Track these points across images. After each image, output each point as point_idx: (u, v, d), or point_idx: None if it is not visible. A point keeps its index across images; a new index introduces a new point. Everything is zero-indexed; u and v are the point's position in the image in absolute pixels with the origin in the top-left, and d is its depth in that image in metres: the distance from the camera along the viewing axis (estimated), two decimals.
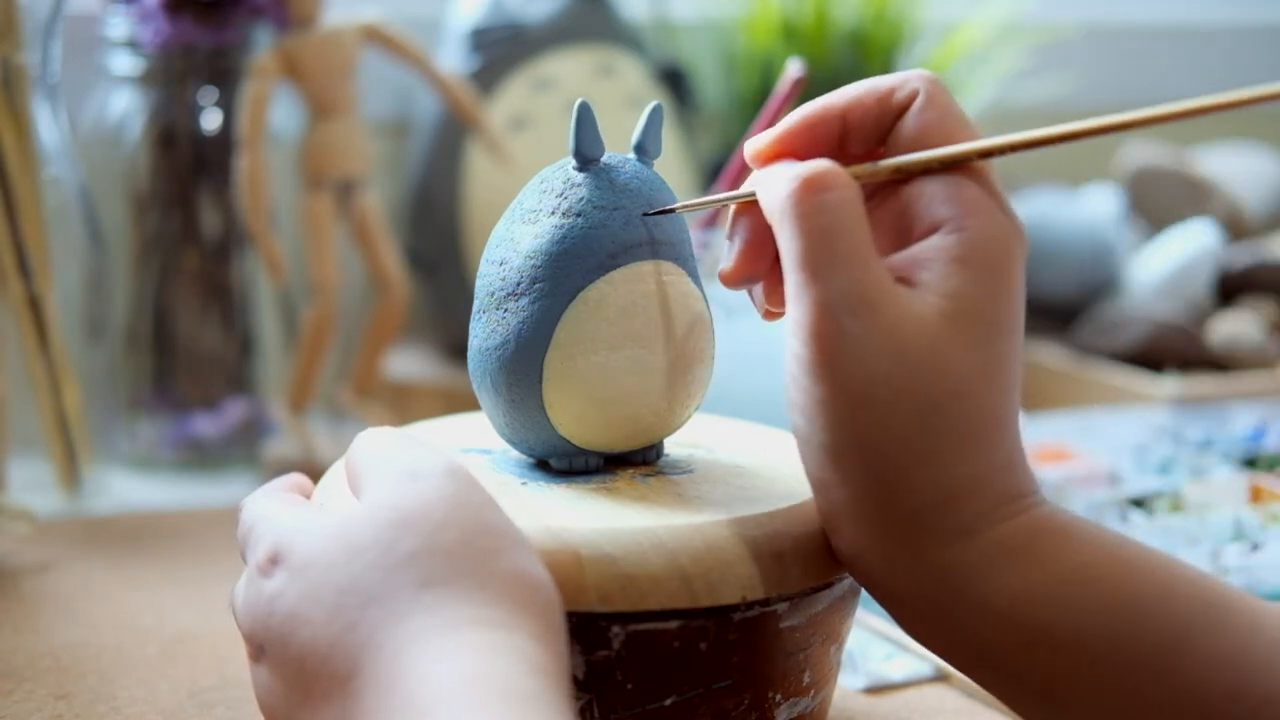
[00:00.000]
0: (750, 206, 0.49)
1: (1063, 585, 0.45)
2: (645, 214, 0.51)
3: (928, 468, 0.45)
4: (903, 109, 0.48)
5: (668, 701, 0.47)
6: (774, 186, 0.46)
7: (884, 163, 0.48)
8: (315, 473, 0.60)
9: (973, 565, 0.45)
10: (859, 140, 0.49)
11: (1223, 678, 0.44)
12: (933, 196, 0.47)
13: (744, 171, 0.78)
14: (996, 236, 0.46)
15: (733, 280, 0.50)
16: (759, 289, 0.51)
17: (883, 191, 0.48)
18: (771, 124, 0.77)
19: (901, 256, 0.46)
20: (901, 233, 0.47)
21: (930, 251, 0.46)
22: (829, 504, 0.47)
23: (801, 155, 0.48)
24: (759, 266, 0.50)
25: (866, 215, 0.46)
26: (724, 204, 0.51)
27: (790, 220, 0.45)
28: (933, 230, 0.46)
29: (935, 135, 0.47)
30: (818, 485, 0.47)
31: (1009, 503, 0.46)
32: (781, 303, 0.50)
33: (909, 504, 0.45)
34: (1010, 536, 0.45)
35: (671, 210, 0.51)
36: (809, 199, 0.45)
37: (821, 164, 0.46)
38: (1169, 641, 0.44)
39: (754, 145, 0.49)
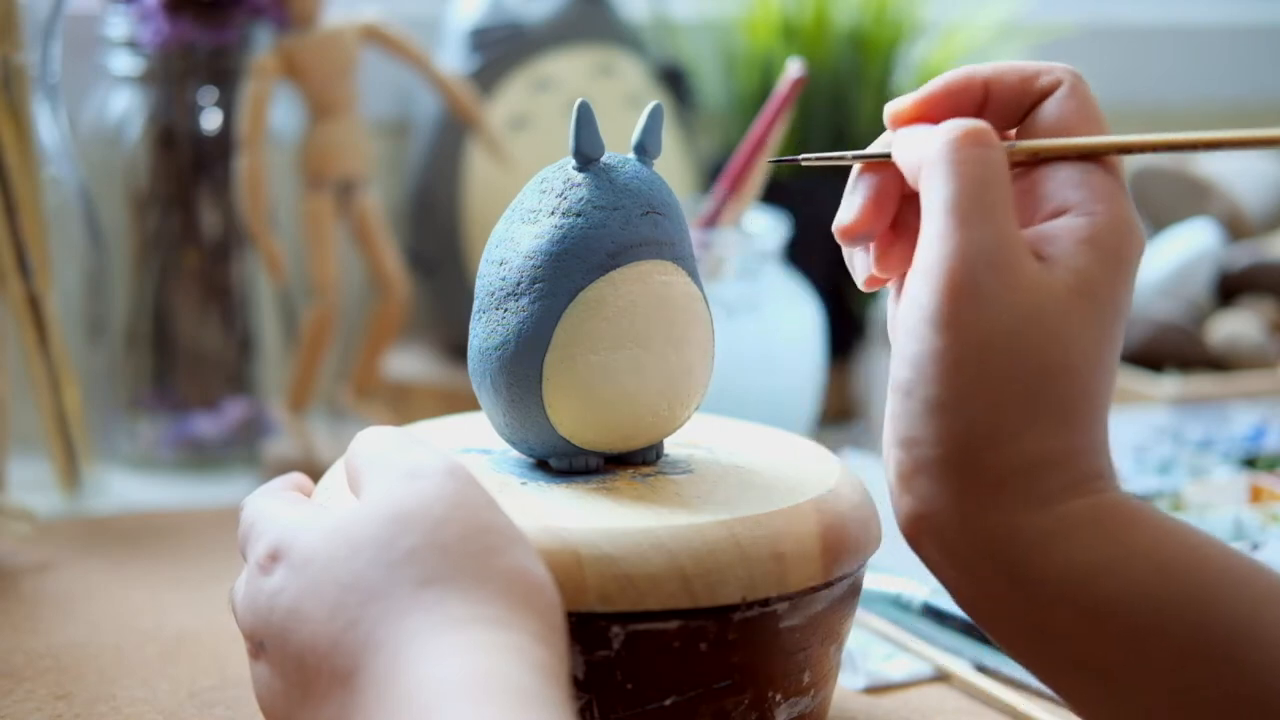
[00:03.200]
0: (877, 167, 0.49)
1: (1131, 564, 0.45)
2: (770, 160, 0.54)
3: (1027, 431, 0.45)
4: (1044, 94, 0.49)
5: (668, 701, 0.47)
6: (926, 140, 0.47)
7: (1024, 143, 0.48)
8: (315, 473, 0.60)
9: (1047, 534, 0.45)
10: (996, 114, 0.49)
11: None
12: (1064, 180, 0.47)
13: (745, 171, 0.78)
14: (1122, 226, 0.47)
15: (851, 234, 0.50)
16: (861, 255, 0.51)
17: (1014, 171, 0.48)
18: (771, 124, 0.77)
19: (1030, 232, 0.47)
20: (1026, 212, 0.48)
21: (1059, 230, 0.46)
22: (912, 461, 0.46)
23: (941, 120, 0.48)
24: (879, 223, 0.50)
25: None
26: (850, 162, 0.50)
27: (946, 165, 0.45)
28: (1060, 212, 0.47)
29: (1074, 124, 0.48)
30: (906, 442, 0.46)
31: (1090, 481, 0.46)
32: (890, 267, 0.50)
33: (1000, 466, 0.45)
34: (1085, 511, 0.45)
35: (798, 161, 0.52)
36: (968, 149, 0.45)
37: (979, 122, 0.46)
38: (1234, 630, 0.44)
39: (895, 106, 0.49)
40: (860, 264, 0.51)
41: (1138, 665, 0.45)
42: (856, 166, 0.50)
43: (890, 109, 0.49)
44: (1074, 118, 0.48)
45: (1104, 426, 0.47)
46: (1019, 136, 0.49)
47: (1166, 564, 0.45)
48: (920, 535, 0.47)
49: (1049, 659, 0.47)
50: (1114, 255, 0.46)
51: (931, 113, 0.49)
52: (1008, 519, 0.45)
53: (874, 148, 0.50)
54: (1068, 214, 0.47)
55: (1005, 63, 0.50)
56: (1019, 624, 0.46)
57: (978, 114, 0.49)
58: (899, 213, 0.50)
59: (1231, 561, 0.45)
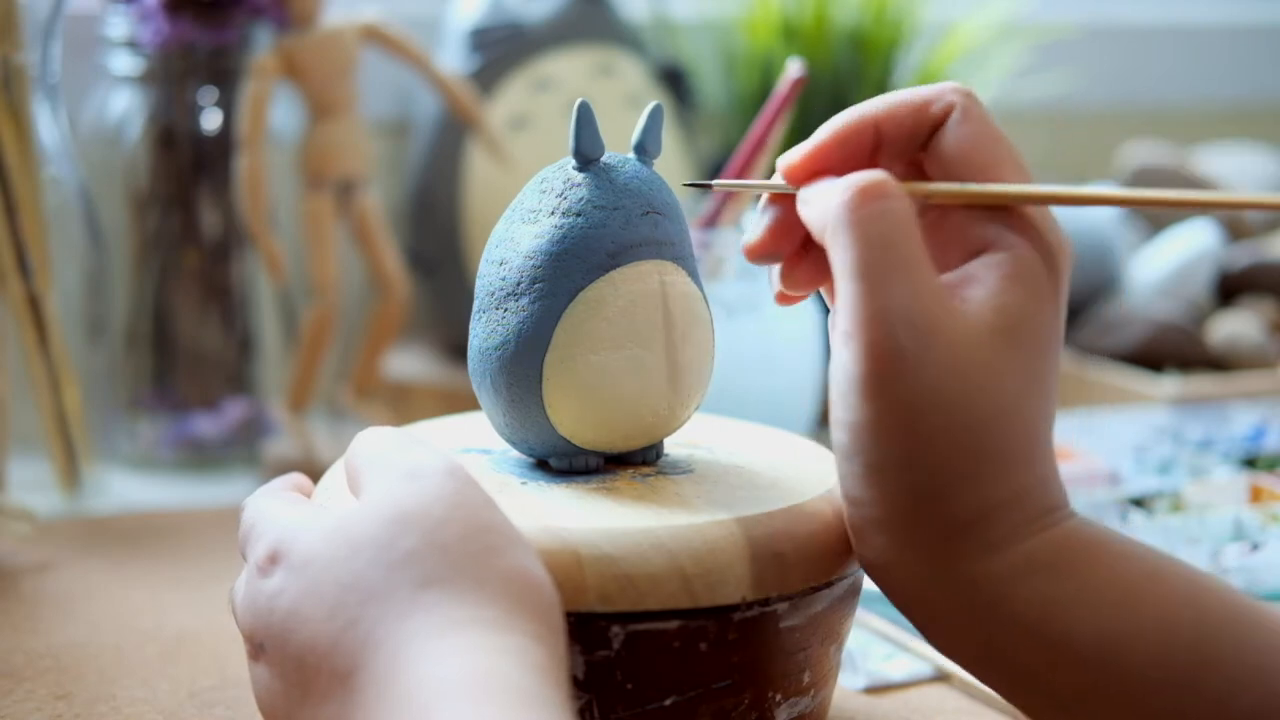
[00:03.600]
0: (785, 196, 0.49)
1: (1092, 599, 0.45)
2: (687, 184, 0.51)
3: (969, 483, 0.45)
4: (938, 122, 0.48)
5: (668, 701, 0.47)
6: (825, 197, 0.46)
7: (941, 188, 0.47)
8: (315, 473, 0.60)
9: (1004, 578, 0.45)
10: (891, 152, 0.48)
11: (1249, 694, 0.44)
12: (981, 216, 0.47)
13: (745, 171, 0.78)
14: (1045, 253, 0.46)
15: (755, 255, 0.50)
16: (778, 269, 0.51)
17: (930, 209, 0.48)
18: (771, 124, 0.77)
19: (952, 274, 0.46)
20: (948, 251, 0.47)
21: (981, 269, 0.46)
22: (861, 518, 0.47)
23: (837, 167, 0.48)
24: (784, 245, 0.50)
25: None
26: (758, 191, 0.50)
27: (846, 228, 0.45)
28: (981, 249, 0.46)
29: (972, 151, 0.47)
30: (853, 501, 0.47)
31: (1042, 516, 0.46)
32: (797, 285, 0.50)
33: (946, 520, 0.45)
34: (1041, 550, 0.45)
35: (708, 186, 0.52)
36: (866, 206, 0.45)
37: (877, 173, 0.45)
38: (1197, 656, 0.44)
39: (788, 160, 0.48)
40: (774, 280, 0.51)
41: (1103, 694, 0.45)
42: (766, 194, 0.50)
43: (782, 163, 0.49)
44: (970, 144, 0.47)
45: (1049, 458, 0.47)
46: (924, 165, 0.48)
47: (1126, 593, 0.45)
48: (881, 583, 0.48)
49: (1014, 688, 0.47)
50: (1038, 287, 0.46)
51: (824, 162, 0.48)
52: (962, 567, 0.45)
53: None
54: (988, 251, 0.46)
55: (895, 95, 0.49)
56: (983, 659, 0.47)
57: (873, 154, 0.48)
58: (808, 234, 0.49)
59: (1193, 584, 0.45)
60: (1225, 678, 0.44)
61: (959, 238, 0.47)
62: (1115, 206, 0.48)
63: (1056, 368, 0.47)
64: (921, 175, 0.49)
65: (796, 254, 0.50)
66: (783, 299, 0.51)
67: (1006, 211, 0.46)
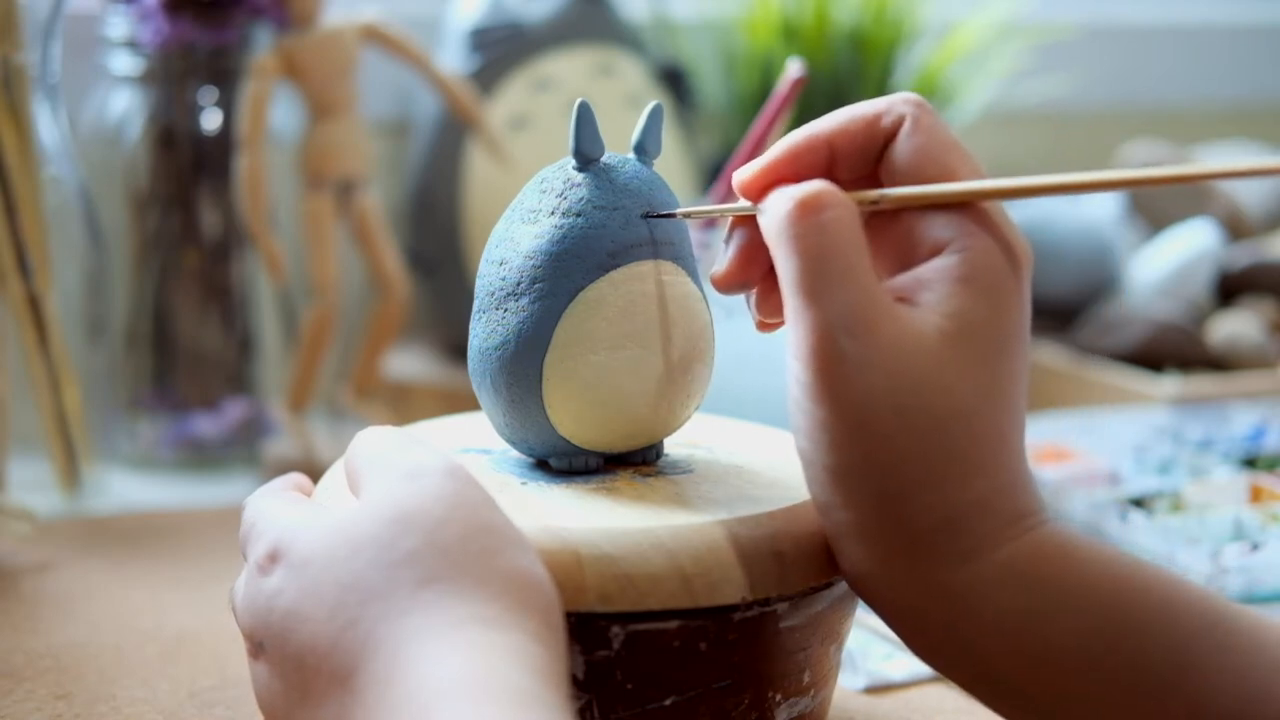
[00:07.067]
0: (749, 219, 0.49)
1: (1067, 606, 0.45)
2: (645, 215, 0.51)
3: (931, 490, 0.45)
4: (890, 135, 0.48)
5: (668, 701, 0.47)
6: (771, 209, 0.46)
7: (893, 193, 0.47)
8: (315, 473, 0.60)
9: (978, 587, 0.45)
10: (847, 167, 0.48)
11: (1225, 699, 0.44)
12: (934, 218, 0.46)
13: None
14: (999, 255, 0.46)
15: (724, 285, 0.50)
16: (754, 297, 0.51)
17: (884, 215, 0.48)
18: (771, 124, 0.77)
19: (904, 278, 0.46)
20: (904, 255, 0.47)
21: (933, 272, 0.46)
22: (834, 525, 0.47)
23: (791, 181, 0.48)
24: (752, 273, 0.50)
25: (866, 237, 0.46)
26: (725, 214, 0.50)
27: (786, 242, 0.45)
28: (935, 252, 0.46)
29: (925, 162, 0.47)
30: (822, 508, 0.47)
31: (1013, 524, 0.46)
32: (773, 312, 0.50)
33: (913, 526, 0.45)
34: (1015, 558, 0.45)
35: (672, 215, 0.51)
36: (804, 220, 0.45)
37: (816, 184, 0.46)
38: (1173, 661, 0.44)
39: (741, 176, 0.48)
40: (753, 308, 0.51)
41: (1079, 700, 0.45)
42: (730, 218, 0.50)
43: (737, 179, 0.49)
44: (923, 155, 0.47)
45: (1020, 462, 0.46)
46: (880, 175, 0.48)
47: (1100, 601, 0.45)
48: (863, 595, 0.48)
49: (996, 695, 0.47)
50: (993, 289, 0.45)
51: (778, 178, 0.48)
52: (934, 576, 0.45)
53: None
54: (942, 253, 0.46)
55: (846, 111, 0.48)
56: (962, 665, 0.47)
57: (828, 171, 0.48)
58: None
59: (1167, 590, 0.45)
60: (1203, 682, 0.44)
61: (913, 241, 0.47)
62: (1067, 194, 0.47)
63: (1021, 371, 0.46)
64: (883, 186, 0.49)
65: (768, 280, 0.50)
66: (763, 327, 0.51)
67: (961, 213, 0.46)
